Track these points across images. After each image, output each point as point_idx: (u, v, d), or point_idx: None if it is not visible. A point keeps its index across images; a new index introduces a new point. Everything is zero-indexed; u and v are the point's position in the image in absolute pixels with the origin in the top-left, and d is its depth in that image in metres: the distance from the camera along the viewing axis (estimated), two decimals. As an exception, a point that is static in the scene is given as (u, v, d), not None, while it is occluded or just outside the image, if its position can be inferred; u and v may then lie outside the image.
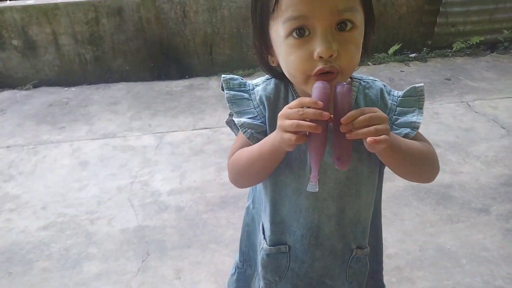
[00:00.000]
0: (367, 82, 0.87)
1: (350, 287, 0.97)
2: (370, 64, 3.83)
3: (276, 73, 0.84)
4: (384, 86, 0.88)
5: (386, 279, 1.73)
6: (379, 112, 0.72)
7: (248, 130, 0.85)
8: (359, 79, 0.87)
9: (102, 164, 2.54)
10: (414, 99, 0.86)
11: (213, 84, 3.55)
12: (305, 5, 0.68)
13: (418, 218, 2.05)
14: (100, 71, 3.69)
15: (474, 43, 4.02)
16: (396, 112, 0.85)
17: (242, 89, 0.88)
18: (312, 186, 0.70)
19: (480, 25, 4.04)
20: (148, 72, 3.73)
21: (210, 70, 3.74)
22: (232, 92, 0.87)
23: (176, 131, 2.87)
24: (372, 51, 3.95)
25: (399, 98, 0.86)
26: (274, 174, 0.88)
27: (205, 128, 2.84)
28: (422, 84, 0.86)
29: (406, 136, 0.83)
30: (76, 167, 2.51)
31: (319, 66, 0.70)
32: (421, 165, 0.86)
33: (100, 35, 3.59)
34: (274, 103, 0.85)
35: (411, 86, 0.87)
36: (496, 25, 4.07)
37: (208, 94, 3.40)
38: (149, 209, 2.17)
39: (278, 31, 0.72)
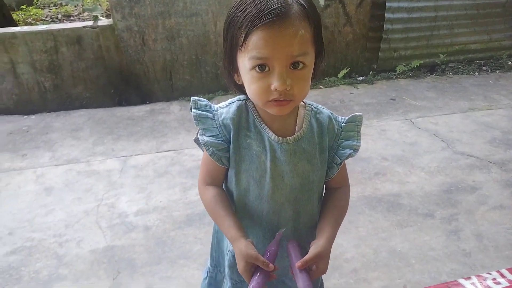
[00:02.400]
0: (318, 109, 1.03)
1: None
2: (322, 87, 4.09)
3: (241, 89, 0.96)
4: (331, 113, 1.04)
5: (344, 281, 1.91)
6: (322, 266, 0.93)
7: (211, 148, 0.98)
8: (311, 105, 1.02)
9: (67, 189, 2.56)
10: (354, 124, 1.03)
11: (174, 109, 3.66)
12: (267, 49, 0.81)
13: (371, 224, 2.24)
14: (60, 99, 3.70)
15: (415, 66, 4.40)
16: (341, 136, 1.02)
17: (207, 109, 1.00)
18: None
19: (419, 50, 4.43)
20: (109, 98, 3.78)
21: (170, 95, 3.85)
22: (198, 111, 0.99)
23: (139, 154, 2.94)
24: (323, 75, 4.22)
25: (343, 124, 1.02)
26: (238, 183, 1.02)
27: (169, 151, 2.93)
28: (361, 113, 1.03)
29: (349, 155, 1.01)
30: (41, 193, 2.52)
31: (275, 96, 0.85)
32: (343, 218, 1.08)
33: (59, 63, 3.62)
34: (238, 122, 0.98)
35: (352, 114, 1.03)
36: (433, 50, 4.48)
37: (170, 118, 3.50)
38: (117, 230, 2.22)
39: (244, 63, 0.85)
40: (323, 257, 0.92)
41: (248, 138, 0.98)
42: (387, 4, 4.06)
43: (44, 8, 5.28)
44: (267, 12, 0.79)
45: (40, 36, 3.51)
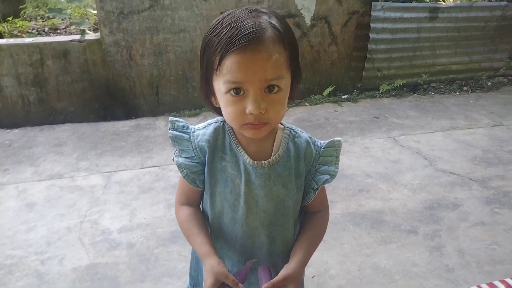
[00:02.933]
0: (296, 132, 1.02)
1: None
2: (308, 105, 4.14)
3: (219, 111, 0.95)
4: (310, 137, 1.02)
5: (329, 297, 1.90)
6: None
7: (184, 170, 0.99)
8: (290, 128, 1.02)
9: (49, 205, 2.52)
10: (333, 149, 1.01)
11: (160, 124, 3.66)
12: (241, 74, 0.81)
13: (355, 241, 2.25)
14: (44, 113, 3.67)
15: (398, 85, 4.50)
16: (319, 161, 1.01)
17: (184, 130, 1.01)
18: None
19: (402, 69, 4.54)
20: (93, 113, 3.76)
21: (156, 110, 3.85)
22: (175, 132, 1.01)
23: (124, 170, 2.92)
24: (308, 93, 4.29)
25: (321, 149, 1.01)
26: (212, 206, 1.02)
27: (154, 166, 2.92)
28: (340, 139, 1.02)
29: (326, 181, 1.00)
30: (23, 208, 2.47)
31: (250, 120, 0.85)
32: (320, 242, 1.07)
33: (45, 77, 3.60)
34: (213, 144, 0.98)
35: (331, 139, 1.02)
36: (416, 70, 4.60)
37: (155, 133, 3.49)
38: (100, 247, 2.19)
39: (220, 86, 0.85)
40: (292, 280, 0.91)
41: (223, 160, 0.98)
42: (371, 25, 4.17)
43: (30, 21, 5.25)
44: (241, 37, 0.79)
45: (26, 49, 3.49)
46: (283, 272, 0.92)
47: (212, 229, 1.04)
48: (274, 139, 0.99)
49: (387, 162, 3.06)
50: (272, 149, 0.98)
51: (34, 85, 3.59)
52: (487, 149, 3.27)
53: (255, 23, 0.81)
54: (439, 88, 4.64)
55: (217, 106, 0.93)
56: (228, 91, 0.84)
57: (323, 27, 4.10)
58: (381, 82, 4.50)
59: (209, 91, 0.92)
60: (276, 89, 0.84)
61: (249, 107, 0.83)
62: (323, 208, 1.08)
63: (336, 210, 2.47)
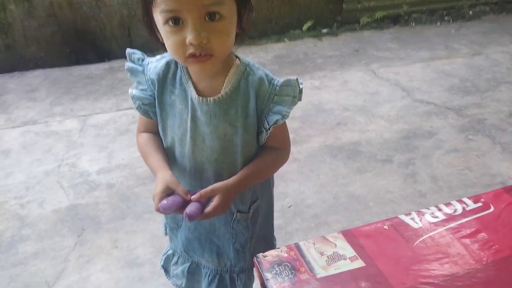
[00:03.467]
0: (252, 69, 0.95)
1: (233, 246, 1.12)
2: (287, 40, 4.04)
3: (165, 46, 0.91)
4: (266, 75, 0.95)
5: (305, 225, 1.97)
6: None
7: (137, 102, 0.99)
8: (246, 64, 0.95)
9: (25, 151, 2.49)
10: (289, 88, 0.93)
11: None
12: (175, 1, 0.76)
13: (331, 172, 2.30)
14: (12, 59, 3.52)
15: (379, 17, 4.38)
16: (273, 100, 0.94)
17: (140, 63, 0.99)
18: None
19: (383, 1, 4.40)
20: (65, 57, 3.62)
21: (130, 53, 3.73)
22: (130, 65, 0.99)
23: (99, 113, 2.87)
24: (287, 29, 4.16)
25: (277, 87, 0.93)
26: (164, 138, 1.03)
27: (129, 109, 2.87)
28: (296, 77, 0.93)
29: (276, 121, 0.93)
30: (-2, 155, 2.45)
31: (191, 50, 0.80)
32: (267, 175, 1.09)
33: (9, 22, 3.42)
34: (163, 79, 0.96)
35: (287, 77, 0.94)
36: (397, 1, 4.46)
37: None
38: (80, 189, 2.20)
39: (158, 18, 0.81)
40: (219, 191, 0.92)
41: (173, 94, 0.96)
42: (349, -48, 3.99)
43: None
44: None
45: (-15, -7, 3.29)
46: (212, 185, 0.93)
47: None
48: (227, 75, 0.93)
49: (365, 95, 3.05)
50: (223, 85, 0.93)
51: (-1, 31, 3.42)
52: (465, 78, 3.28)
53: None
54: (420, 19, 4.54)
55: (162, 41, 0.88)
56: (166, 22, 0.79)
57: (300, -43, 3.91)
58: (361, 14, 4.37)
59: (152, 25, 0.87)
60: (217, 16, 0.79)
61: (189, 37, 0.78)
62: (281, 146, 1.04)
63: (313, 143, 2.49)
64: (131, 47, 1.02)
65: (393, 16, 4.51)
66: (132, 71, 0.99)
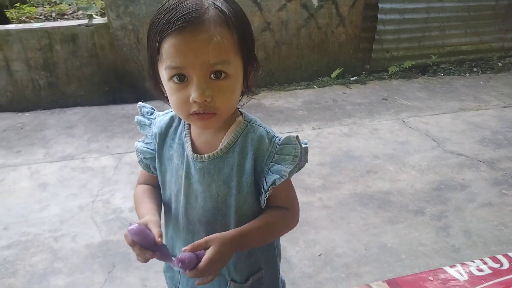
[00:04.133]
0: (253, 126, 0.90)
1: None
2: (316, 87, 4.13)
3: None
4: (267, 133, 0.90)
5: (335, 275, 1.94)
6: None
7: (139, 155, 0.99)
8: (248, 121, 0.91)
9: (62, 185, 2.57)
10: (290, 147, 0.88)
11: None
12: (181, 58, 0.75)
13: (362, 221, 2.28)
14: (54, 97, 3.71)
15: (407, 67, 4.46)
16: (273, 159, 0.88)
17: (147, 116, 0.99)
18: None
19: (411, 51, 4.50)
20: (103, 96, 3.79)
21: (165, 94, 3.86)
22: (140, 118, 1.00)
23: (134, 152, 2.94)
24: (316, 76, 4.27)
25: (278, 146, 0.88)
26: (163, 193, 1.00)
27: (163, 148, 2.95)
28: (296, 135, 0.88)
29: (274, 182, 0.86)
30: (36, 189, 2.53)
31: (195, 108, 0.78)
32: (270, 236, 0.97)
33: (54, 61, 3.63)
34: (165, 133, 0.95)
35: (286, 136, 0.89)
36: (425, 51, 4.55)
37: (164, 116, 3.52)
38: (112, 225, 2.24)
39: (163, 73, 0.79)
40: (214, 241, 0.82)
41: (171, 149, 0.95)
42: (379, 5, 4.12)
43: (38, 6, 5.26)
44: (178, 17, 0.74)
45: (35, 34, 3.52)
46: (207, 236, 0.84)
47: (164, 215, 1.02)
48: (227, 132, 0.90)
49: (395, 143, 3.06)
50: (221, 142, 0.90)
51: (44, 69, 3.62)
52: (496, 131, 3.26)
53: (196, 4, 0.76)
54: (448, 70, 4.59)
55: (166, 95, 0.86)
56: (171, 78, 0.78)
57: (330, 8, 4.06)
58: (389, 63, 4.46)
59: (157, 80, 0.85)
60: (223, 75, 0.78)
61: (193, 95, 0.76)
62: (287, 207, 0.96)
63: (343, 190, 2.49)
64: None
65: (422, 66, 4.58)
66: (140, 125, 1.00)
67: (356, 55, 4.38)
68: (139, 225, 0.82)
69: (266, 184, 0.88)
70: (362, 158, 2.86)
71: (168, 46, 0.75)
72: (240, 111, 0.93)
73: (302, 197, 2.43)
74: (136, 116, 1.00)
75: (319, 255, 2.04)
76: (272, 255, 1.06)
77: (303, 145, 0.89)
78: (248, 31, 0.83)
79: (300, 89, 4.10)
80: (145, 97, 3.83)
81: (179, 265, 0.79)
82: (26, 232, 2.18)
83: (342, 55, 4.32)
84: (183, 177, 0.92)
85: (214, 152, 0.88)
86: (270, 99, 3.89)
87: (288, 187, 0.93)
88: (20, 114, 3.58)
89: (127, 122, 3.41)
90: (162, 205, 1.01)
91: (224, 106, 0.80)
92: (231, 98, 0.81)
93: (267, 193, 0.88)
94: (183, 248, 0.81)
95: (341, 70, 4.29)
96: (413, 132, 3.24)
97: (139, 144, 1.00)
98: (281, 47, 4.08)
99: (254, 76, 0.87)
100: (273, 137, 0.89)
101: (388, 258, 2.04)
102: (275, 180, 0.86)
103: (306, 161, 0.91)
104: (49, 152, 2.96)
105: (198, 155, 0.89)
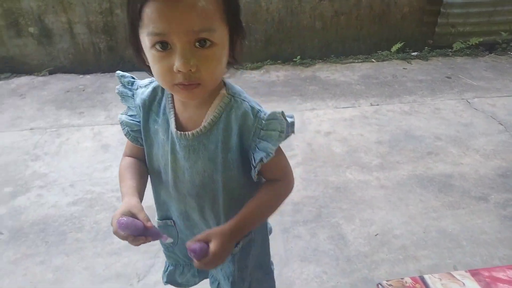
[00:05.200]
0: (237, 101, 0.87)
1: (222, 275, 1.09)
2: (374, 61, 3.98)
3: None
4: (253, 108, 0.87)
5: (392, 256, 1.91)
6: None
7: (125, 128, 0.97)
8: (232, 95, 0.88)
9: (123, 147, 2.62)
10: (276, 122, 0.85)
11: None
12: (163, 24, 0.71)
13: (421, 203, 2.21)
14: (113, 60, 3.80)
15: (474, 43, 4.18)
16: (260, 135, 0.86)
17: (129, 87, 0.96)
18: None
19: (479, 26, 4.20)
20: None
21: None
22: (121, 89, 0.97)
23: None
24: (375, 49, 4.10)
25: (263, 121, 0.86)
26: (150, 165, 0.99)
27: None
28: (281, 110, 0.85)
29: (261, 160, 0.86)
30: (99, 149, 2.63)
31: (180, 79, 0.75)
32: (268, 213, 0.98)
33: (114, 25, 3.69)
34: (148, 106, 0.92)
35: (272, 111, 0.86)
36: (495, 27, 4.23)
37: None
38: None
39: (144, 40, 0.75)
40: (215, 235, 0.85)
41: (156, 123, 0.92)
42: (450, -25, 3.85)
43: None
44: None
45: (96, -3, 3.58)
46: (207, 231, 0.88)
47: (153, 186, 1.04)
48: (210, 106, 0.87)
49: (458, 125, 2.91)
50: (205, 118, 0.87)
51: (104, 33, 3.70)
52: None
53: None
54: (520, 48, 4.27)
55: (148, 64, 0.82)
56: (153, 45, 0.74)
57: (396, -23, 3.84)
58: (454, 39, 4.20)
59: (138, 47, 0.80)
60: (208, 43, 0.74)
61: (177, 63, 0.72)
62: (281, 177, 0.96)
63: (402, 171, 2.41)
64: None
65: (490, 43, 4.28)
66: (122, 95, 0.97)
67: (419, 29, 4.15)
68: (127, 218, 0.82)
69: (254, 161, 0.87)
70: (423, 138, 2.75)
71: (150, 11, 0.71)
72: (224, 81, 0.89)
73: (358, 175, 2.39)
74: (117, 87, 0.97)
75: (376, 235, 2.01)
76: (265, 224, 1.10)
77: (289, 119, 0.86)
78: None
79: (357, 62, 3.96)
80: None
81: (192, 254, 0.84)
82: (90, 191, 2.28)
83: (404, 28, 4.11)
84: (169, 153, 0.91)
85: (198, 129, 0.86)
86: (325, 72, 3.79)
87: (277, 159, 0.89)
88: (81, 76, 3.70)
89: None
90: (152, 175, 1.01)
91: (209, 76, 0.77)
92: (216, 68, 0.78)
93: (256, 169, 0.88)
94: (187, 243, 0.85)
95: (402, 44, 4.09)
96: (478, 114, 3.06)
97: (123, 117, 0.97)
98: (340, 17, 3.93)
99: (241, 45, 0.83)
100: (258, 111, 0.87)
101: (448, 244, 1.97)
102: (262, 158, 0.86)
103: (293, 132, 0.89)
104: (109, 115, 3.05)
105: (182, 132, 0.87)
